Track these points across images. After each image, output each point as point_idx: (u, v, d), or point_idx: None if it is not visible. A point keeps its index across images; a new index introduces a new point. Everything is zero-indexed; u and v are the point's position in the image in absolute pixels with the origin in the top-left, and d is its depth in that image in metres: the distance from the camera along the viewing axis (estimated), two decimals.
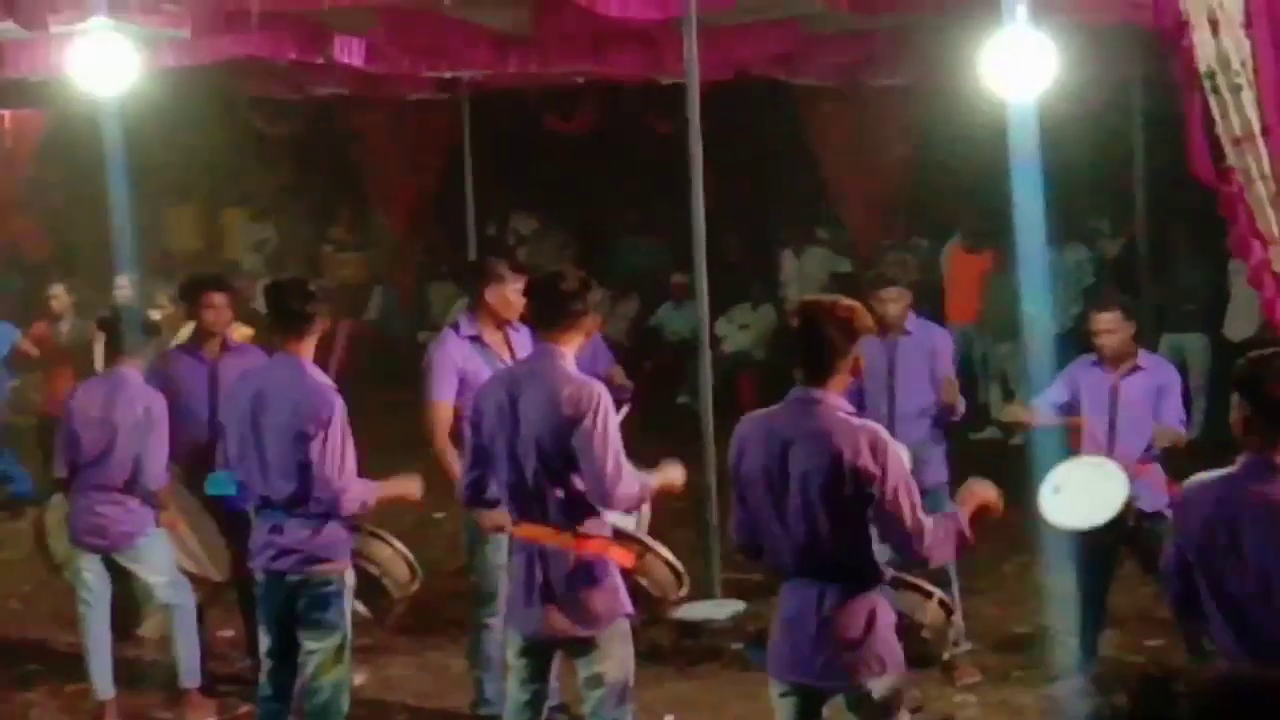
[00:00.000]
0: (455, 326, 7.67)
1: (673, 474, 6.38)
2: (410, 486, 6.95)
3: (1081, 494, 7.45)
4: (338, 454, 6.45)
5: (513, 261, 8.29)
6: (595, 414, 5.82)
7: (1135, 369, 7.78)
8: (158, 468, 7.80)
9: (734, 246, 16.14)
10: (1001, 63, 7.54)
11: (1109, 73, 11.02)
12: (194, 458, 8.11)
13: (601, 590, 5.98)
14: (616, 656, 6.04)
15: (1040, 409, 8.00)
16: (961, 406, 8.27)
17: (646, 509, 6.93)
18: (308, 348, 6.66)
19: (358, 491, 6.54)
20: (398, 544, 7.00)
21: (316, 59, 9.43)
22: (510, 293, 7.42)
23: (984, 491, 5.52)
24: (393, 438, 8.78)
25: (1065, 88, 8.24)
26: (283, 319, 6.68)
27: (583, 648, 6.04)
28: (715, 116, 9.19)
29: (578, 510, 5.93)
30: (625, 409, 7.94)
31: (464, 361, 7.40)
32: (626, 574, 6.15)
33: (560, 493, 5.91)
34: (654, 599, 6.52)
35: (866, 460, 5.15)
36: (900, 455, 5.31)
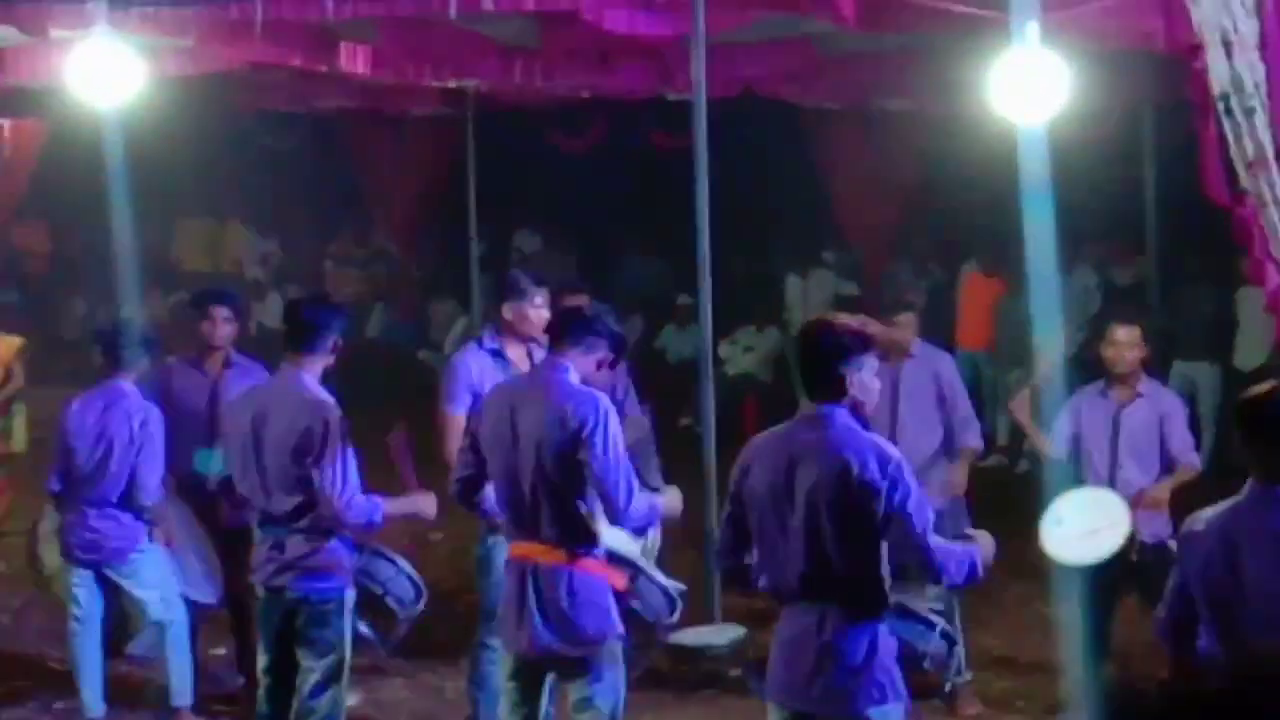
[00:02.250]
0: (479, 339, 7.58)
1: (672, 502, 6.39)
2: (425, 505, 6.83)
3: (1083, 527, 7.40)
4: (338, 469, 6.37)
5: (535, 274, 8.08)
6: (601, 428, 5.80)
7: (1136, 396, 7.69)
8: (153, 483, 7.73)
9: (739, 268, 16.05)
10: (1012, 85, 7.44)
11: (1120, 96, 10.94)
12: (191, 473, 8.03)
13: (594, 611, 5.95)
14: (607, 679, 6.00)
15: (1052, 444, 7.91)
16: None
17: (656, 536, 6.85)
18: (313, 362, 6.58)
19: (362, 508, 6.45)
20: (403, 563, 6.89)
21: (321, 67, 9.34)
22: (529, 308, 7.32)
23: (985, 543, 5.51)
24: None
25: (1076, 111, 8.15)
26: (291, 331, 6.64)
27: (573, 669, 6.01)
28: (722, 135, 9.10)
29: (573, 529, 5.91)
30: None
31: (480, 374, 7.27)
32: (619, 596, 6.08)
33: (557, 510, 5.89)
34: (646, 623, 6.45)
35: (874, 473, 5.08)
36: (910, 469, 5.23)
